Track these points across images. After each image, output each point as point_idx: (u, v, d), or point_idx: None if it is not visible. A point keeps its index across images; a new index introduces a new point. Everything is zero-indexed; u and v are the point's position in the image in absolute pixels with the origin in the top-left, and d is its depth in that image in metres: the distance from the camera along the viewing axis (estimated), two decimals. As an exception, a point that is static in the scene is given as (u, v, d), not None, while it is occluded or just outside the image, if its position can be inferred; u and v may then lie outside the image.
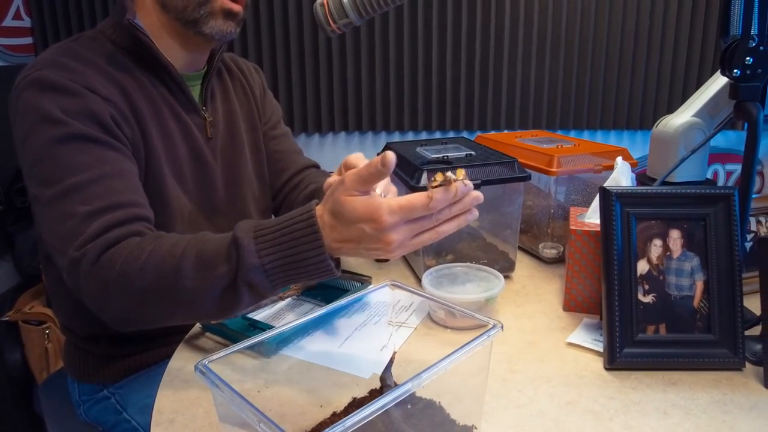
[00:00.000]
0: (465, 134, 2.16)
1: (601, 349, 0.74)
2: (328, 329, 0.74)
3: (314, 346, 0.70)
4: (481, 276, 0.89)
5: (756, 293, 0.69)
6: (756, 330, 0.72)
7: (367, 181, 0.57)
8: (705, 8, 2.05)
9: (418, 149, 1.03)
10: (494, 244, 1.02)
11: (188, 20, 0.84)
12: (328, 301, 0.75)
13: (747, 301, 0.75)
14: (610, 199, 0.74)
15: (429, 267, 0.91)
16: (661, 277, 0.73)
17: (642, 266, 0.73)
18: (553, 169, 1.00)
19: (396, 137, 2.20)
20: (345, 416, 0.42)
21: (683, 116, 0.92)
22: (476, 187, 0.89)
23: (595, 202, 0.83)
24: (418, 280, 0.94)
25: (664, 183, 0.87)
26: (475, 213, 0.60)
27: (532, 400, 0.65)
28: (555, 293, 0.93)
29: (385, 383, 0.61)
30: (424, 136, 2.19)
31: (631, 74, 2.11)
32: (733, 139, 2.21)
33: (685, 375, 0.69)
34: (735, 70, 0.72)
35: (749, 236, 0.89)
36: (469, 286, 0.88)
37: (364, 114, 2.11)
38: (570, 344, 0.77)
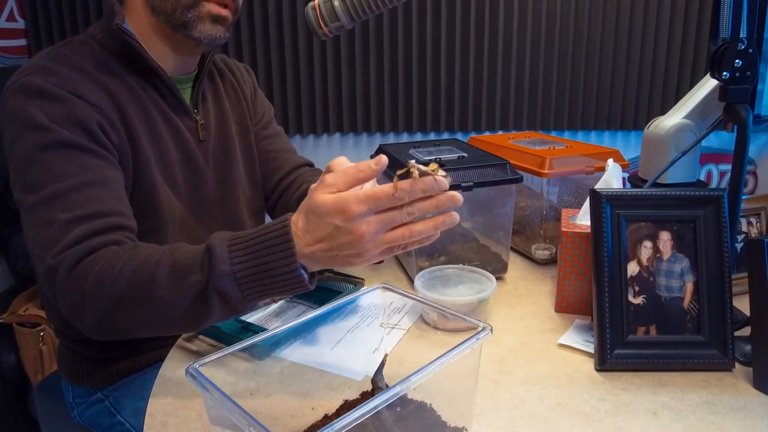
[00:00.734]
0: (459, 135, 2.17)
1: (592, 351, 0.74)
2: (320, 332, 0.74)
3: (306, 348, 0.70)
4: (474, 278, 0.90)
5: (746, 294, 0.70)
6: (746, 331, 0.73)
7: (356, 178, 0.58)
8: (698, 9, 2.06)
9: (411, 151, 1.03)
10: (487, 246, 1.02)
11: (177, 23, 0.84)
12: (321, 303, 0.75)
13: (737, 302, 0.75)
14: (600, 201, 0.74)
15: (422, 268, 0.91)
16: (652, 279, 0.73)
17: (632, 268, 0.74)
18: (545, 171, 1.00)
19: (390, 138, 2.20)
20: (336, 418, 0.42)
21: (674, 118, 0.93)
22: (469, 188, 0.90)
23: (586, 204, 0.84)
24: (411, 281, 0.95)
25: (656, 184, 0.88)
26: (456, 217, 0.59)
27: (523, 402, 0.65)
28: (547, 295, 0.93)
29: (377, 385, 0.62)
30: (418, 137, 2.19)
31: (625, 75, 2.12)
32: (726, 140, 2.22)
33: (675, 376, 0.70)
34: (724, 73, 0.72)
35: (740, 237, 0.90)
36: (462, 288, 0.88)
37: (358, 115, 2.11)
38: (561, 345, 0.77)
